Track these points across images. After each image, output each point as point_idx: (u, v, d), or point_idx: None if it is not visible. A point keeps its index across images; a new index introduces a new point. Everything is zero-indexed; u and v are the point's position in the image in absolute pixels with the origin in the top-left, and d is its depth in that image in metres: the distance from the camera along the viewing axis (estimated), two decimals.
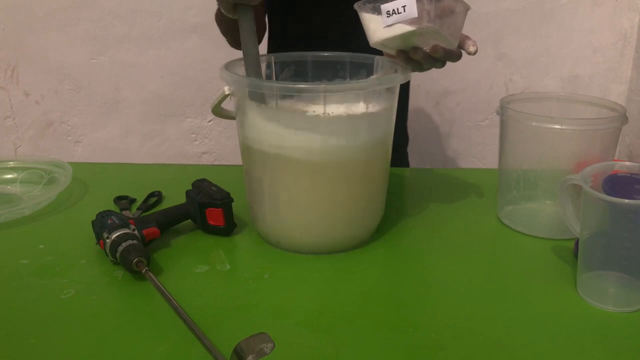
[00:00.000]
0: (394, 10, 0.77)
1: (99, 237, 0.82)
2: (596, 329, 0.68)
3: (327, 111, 0.77)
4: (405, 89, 1.28)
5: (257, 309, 0.72)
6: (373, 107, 0.81)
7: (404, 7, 0.77)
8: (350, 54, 0.94)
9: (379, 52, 0.95)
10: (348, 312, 0.71)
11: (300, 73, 0.96)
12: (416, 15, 0.76)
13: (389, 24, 0.79)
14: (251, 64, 0.84)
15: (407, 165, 1.45)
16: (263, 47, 1.13)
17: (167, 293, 0.70)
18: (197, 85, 2.00)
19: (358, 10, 0.81)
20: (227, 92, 0.83)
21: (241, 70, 0.90)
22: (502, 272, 0.82)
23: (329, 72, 0.91)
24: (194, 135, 2.08)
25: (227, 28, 1.08)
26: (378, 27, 0.80)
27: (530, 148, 0.88)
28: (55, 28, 1.93)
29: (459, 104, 2.05)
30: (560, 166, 0.86)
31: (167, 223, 0.89)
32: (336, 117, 0.80)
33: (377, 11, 0.79)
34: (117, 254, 0.77)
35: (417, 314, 0.71)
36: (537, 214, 0.92)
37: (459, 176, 1.16)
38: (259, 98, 0.79)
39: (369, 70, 0.94)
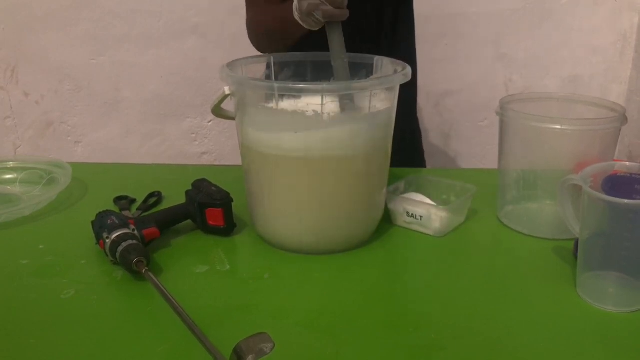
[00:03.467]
0: (412, 214, 0.90)
1: (98, 237, 0.82)
2: (596, 329, 0.68)
3: (327, 111, 0.77)
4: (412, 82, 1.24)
5: (257, 309, 0.72)
6: (373, 108, 0.81)
7: (420, 217, 0.89)
8: (351, 54, 0.94)
9: (378, 53, 0.95)
10: (348, 312, 0.71)
11: (299, 74, 0.96)
12: (430, 233, 0.90)
13: (405, 221, 0.91)
14: (343, 74, 0.87)
15: (422, 162, 1.35)
16: None
17: (167, 293, 0.70)
18: (197, 85, 2.00)
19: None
20: (227, 93, 0.83)
21: (241, 70, 0.90)
22: (502, 272, 0.82)
23: (329, 73, 0.91)
24: (193, 135, 2.08)
25: (280, 39, 1.05)
26: (398, 214, 0.92)
27: (530, 148, 0.88)
28: (55, 28, 1.93)
29: (459, 104, 2.04)
30: (560, 166, 0.86)
31: (167, 223, 0.89)
32: (336, 117, 0.80)
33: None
34: (117, 254, 0.77)
35: (417, 314, 0.71)
36: (537, 214, 0.92)
37: (459, 176, 1.16)
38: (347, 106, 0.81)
39: (369, 70, 0.94)
